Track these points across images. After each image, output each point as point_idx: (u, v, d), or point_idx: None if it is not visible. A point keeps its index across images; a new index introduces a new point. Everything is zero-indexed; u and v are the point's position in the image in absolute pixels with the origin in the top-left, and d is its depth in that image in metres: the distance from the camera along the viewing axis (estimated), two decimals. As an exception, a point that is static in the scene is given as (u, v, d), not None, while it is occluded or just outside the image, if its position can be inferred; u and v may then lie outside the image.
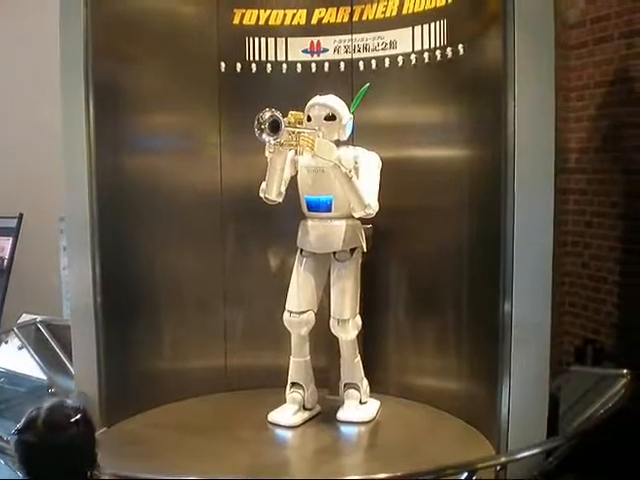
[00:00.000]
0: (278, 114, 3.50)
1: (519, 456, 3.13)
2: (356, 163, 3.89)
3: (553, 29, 3.28)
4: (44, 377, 4.42)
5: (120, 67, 4.13)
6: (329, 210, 3.97)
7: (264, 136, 3.51)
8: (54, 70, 3.97)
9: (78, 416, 2.06)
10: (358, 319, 4.04)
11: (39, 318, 4.81)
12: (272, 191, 3.87)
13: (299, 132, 3.64)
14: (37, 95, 5.84)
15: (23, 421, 2.05)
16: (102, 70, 3.96)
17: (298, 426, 4.05)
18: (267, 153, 3.70)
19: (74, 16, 3.87)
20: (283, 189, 3.91)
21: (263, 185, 3.88)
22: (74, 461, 2.04)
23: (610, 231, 4.75)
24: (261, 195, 3.90)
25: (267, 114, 3.49)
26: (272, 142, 3.54)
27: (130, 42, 4.15)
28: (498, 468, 3.12)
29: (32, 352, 4.52)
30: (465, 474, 2.85)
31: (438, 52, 4.22)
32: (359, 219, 3.99)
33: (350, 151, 3.95)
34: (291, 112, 3.66)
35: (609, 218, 4.76)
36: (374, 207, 3.84)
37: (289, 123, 3.59)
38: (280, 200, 3.92)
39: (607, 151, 4.79)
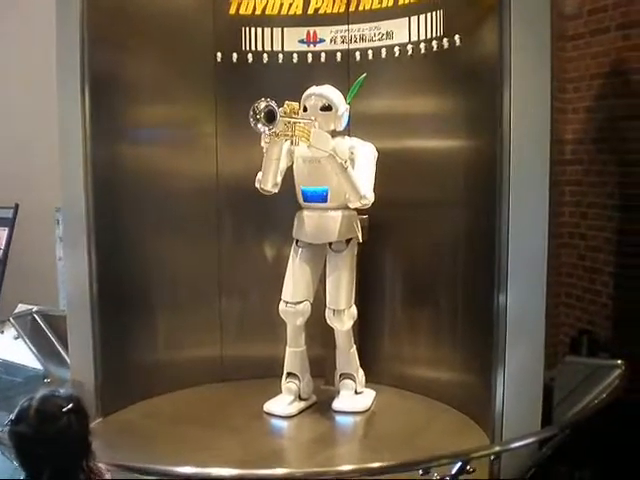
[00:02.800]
0: (274, 104, 3.48)
1: (513, 446, 3.13)
2: (352, 153, 3.90)
3: (549, 20, 3.27)
4: (40, 367, 4.41)
5: (116, 57, 4.11)
6: (325, 201, 3.97)
7: (259, 126, 3.50)
8: (50, 60, 3.95)
9: (70, 405, 2.05)
10: (353, 309, 4.05)
11: (35, 308, 4.80)
12: (268, 182, 3.87)
13: (295, 122, 3.63)
14: (33, 86, 5.82)
15: (15, 412, 2.05)
16: (98, 60, 3.95)
17: (294, 416, 4.06)
18: (263, 143, 3.70)
19: (70, 5, 3.85)
20: (279, 180, 3.91)
21: (259, 175, 3.89)
22: (68, 450, 2.04)
23: (606, 222, 4.75)
24: (257, 186, 3.90)
25: (262, 104, 3.48)
26: (267, 132, 3.53)
27: (126, 32, 4.14)
28: (492, 458, 3.13)
29: (28, 342, 4.50)
30: (459, 463, 2.85)
31: (435, 43, 4.20)
32: (355, 210, 4.00)
33: (346, 141, 3.95)
34: (287, 102, 3.65)
35: (605, 209, 4.76)
36: (370, 198, 3.84)
37: (285, 113, 3.59)
38: (276, 191, 3.92)
39: (603, 142, 4.79)
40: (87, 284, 3.99)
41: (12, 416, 2.04)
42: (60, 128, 3.97)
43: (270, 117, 3.48)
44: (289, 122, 3.60)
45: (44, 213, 5.57)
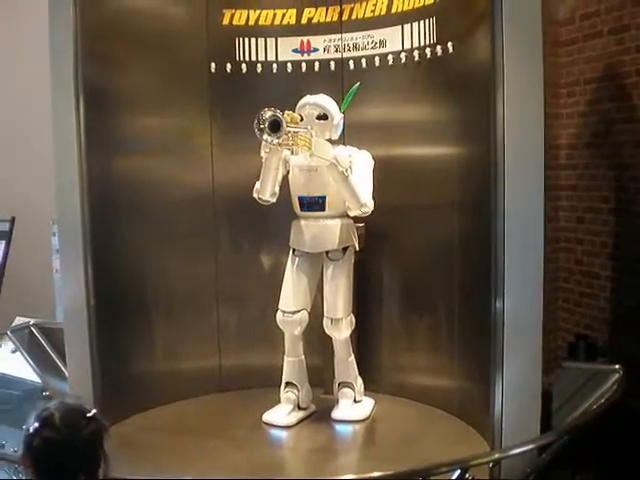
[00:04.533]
0: (279, 113, 3.47)
1: (512, 452, 3.12)
2: (350, 162, 3.89)
3: (541, 26, 3.28)
4: (38, 380, 4.39)
5: (110, 69, 4.12)
6: (323, 209, 3.96)
7: (265, 136, 3.48)
8: (45, 73, 3.96)
9: (93, 412, 2.03)
10: (351, 318, 4.05)
11: (32, 321, 4.79)
12: (266, 191, 3.87)
13: (295, 132, 3.63)
14: (27, 99, 5.83)
15: (36, 420, 1.97)
16: (92, 72, 3.95)
17: (293, 426, 4.04)
18: (262, 153, 3.70)
19: (63, 19, 3.85)
20: (277, 189, 3.91)
21: (257, 185, 3.88)
22: (94, 459, 2.00)
23: (602, 226, 4.76)
24: (255, 196, 3.90)
25: (268, 113, 3.46)
26: (275, 142, 3.51)
27: (120, 44, 4.14)
28: (491, 465, 3.12)
29: (26, 355, 4.49)
30: (457, 471, 2.84)
31: (428, 50, 4.21)
32: (352, 218, 4.00)
33: (343, 150, 3.95)
34: (287, 112, 3.64)
35: (601, 213, 4.77)
36: (370, 205, 3.85)
37: (286, 123, 3.58)
38: (274, 200, 3.92)
39: (598, 147, 4.80)
40: (84, 296, 3.98)
41: (33, 424, 1.96)
42: (55, 141, 3.96)
43: (275, 126, 3.46)
44: (289, 132, 3.59)
45: (40, 225, 5.57)
